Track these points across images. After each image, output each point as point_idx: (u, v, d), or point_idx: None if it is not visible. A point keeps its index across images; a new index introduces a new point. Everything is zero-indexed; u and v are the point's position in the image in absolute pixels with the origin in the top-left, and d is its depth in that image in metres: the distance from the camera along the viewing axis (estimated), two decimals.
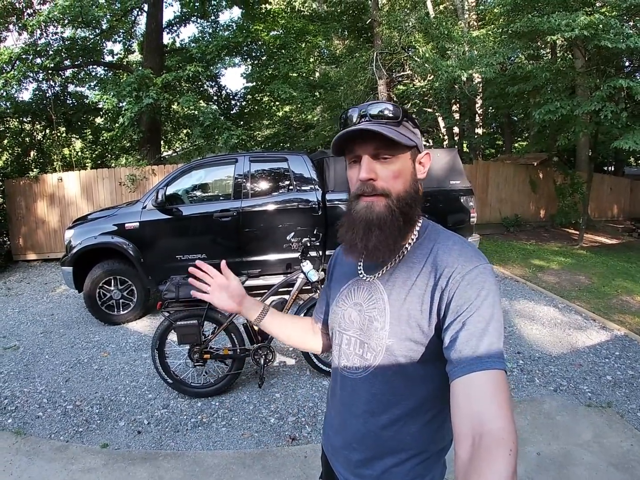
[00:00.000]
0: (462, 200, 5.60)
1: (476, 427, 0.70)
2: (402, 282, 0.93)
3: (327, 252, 5.20)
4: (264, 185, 5.38)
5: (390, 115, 0.92)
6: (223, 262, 1.21)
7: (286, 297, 3.40)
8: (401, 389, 0.93)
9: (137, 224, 4.94)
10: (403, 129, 0.92)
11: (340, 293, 1.08)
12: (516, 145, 17.90)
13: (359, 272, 1.04)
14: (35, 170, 10.52)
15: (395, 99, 13.08)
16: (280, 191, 5.32)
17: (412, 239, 0.97)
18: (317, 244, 3.54)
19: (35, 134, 11.88)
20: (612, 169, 19.22)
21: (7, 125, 11.18)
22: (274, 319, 1.24)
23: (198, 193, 5.67)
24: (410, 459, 0.96)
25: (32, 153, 11.68)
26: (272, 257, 5.10)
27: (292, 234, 3.54)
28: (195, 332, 3.10)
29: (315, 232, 3.60)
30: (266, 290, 3.53)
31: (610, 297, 5.61)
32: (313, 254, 3.80)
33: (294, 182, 5.27)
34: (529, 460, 2.53)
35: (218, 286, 1.18)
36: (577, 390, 3.37)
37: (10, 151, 11.54)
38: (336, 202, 5.21)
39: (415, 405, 0.94)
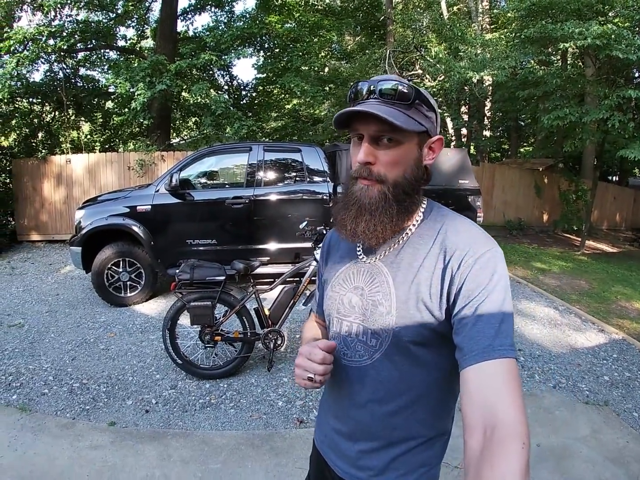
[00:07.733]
0: (469, 200, 5.66)
1: (488, 417, 0.68)
2: (407, 264, 0.89)
3: None
4: (276, 174, 5.44)
5: (402, 94, 0.85)
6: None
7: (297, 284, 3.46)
8: (409, 375, 0.90)
9: (149, 207, 4.97)
10: (414, 112, 0.86)
11: (336, 277, 1.02)
12: (522, 150, 17.91)
13: (358, 254, 0.99)
14: (43, 151, 10.49)
15: None
16: (292, 181, 5.39)
17: (417, 220, 0.93)
18: None
19: (44, 115, 11.84)
20: (617, 178, 19.26)
21: (17, 106, 11.12)
22: None
23: (211, 179, 5.71)
24: (419, 446, 0.93)
25: (39, 134, 11.63)
26: (281, 245, 5.16)
27: (305, 222, 3.58)
28: (209, 314, 3.15)
29: (331, 220, 3.65)
30: (274, 280, 3.56)
31: (609, 302, 5.68)
32: None
33: (306, 174, 5.34)
34: None
35: None
36: (575, 388, 3.45)
37: (18, 131, 11.50)
38: None
39: (424, 392, 0.91)
